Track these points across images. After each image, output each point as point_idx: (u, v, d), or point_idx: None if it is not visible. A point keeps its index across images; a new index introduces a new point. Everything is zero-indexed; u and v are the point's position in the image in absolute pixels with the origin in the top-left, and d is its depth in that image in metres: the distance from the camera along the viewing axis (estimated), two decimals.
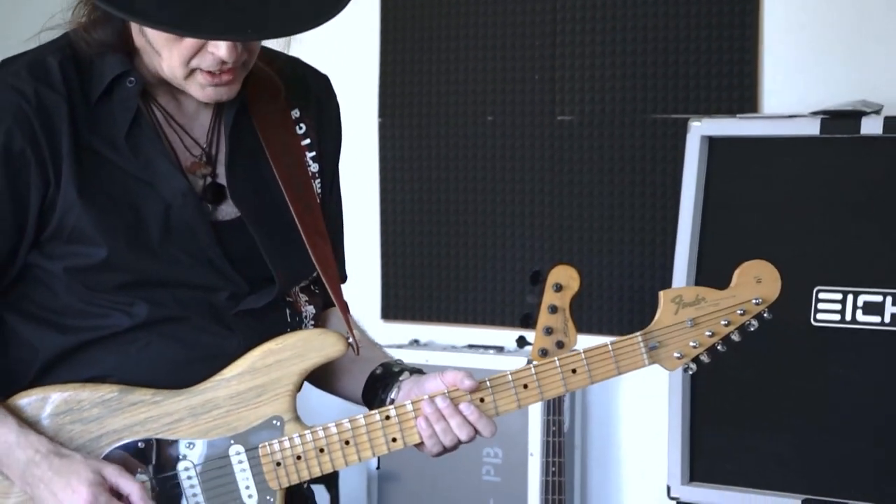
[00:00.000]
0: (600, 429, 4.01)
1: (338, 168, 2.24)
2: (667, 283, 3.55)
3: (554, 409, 3.44)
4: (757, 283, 2.09)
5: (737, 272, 2.10)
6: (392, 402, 2.08)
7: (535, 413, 3.64)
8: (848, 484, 3.26)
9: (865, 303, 3.25)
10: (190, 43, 1.92)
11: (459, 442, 2.04)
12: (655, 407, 3.77)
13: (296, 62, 2.19)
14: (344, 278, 2.26)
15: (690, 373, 2.14)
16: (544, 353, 3.12)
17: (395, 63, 4.25)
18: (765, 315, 2.10)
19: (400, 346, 4.01)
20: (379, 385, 2.12)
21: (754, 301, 2.08)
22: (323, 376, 2.15)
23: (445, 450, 2.05)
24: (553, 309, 3.06)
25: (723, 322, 2.09)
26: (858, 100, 3.42)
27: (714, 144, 3.47)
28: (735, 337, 2.10)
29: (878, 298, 3.23)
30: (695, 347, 2.09)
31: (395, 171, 4.24)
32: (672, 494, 3.47)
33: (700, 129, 3.47)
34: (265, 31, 1.95)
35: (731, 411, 3.44)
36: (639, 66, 3.91)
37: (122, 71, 2.00)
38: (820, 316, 3.30)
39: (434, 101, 4.21)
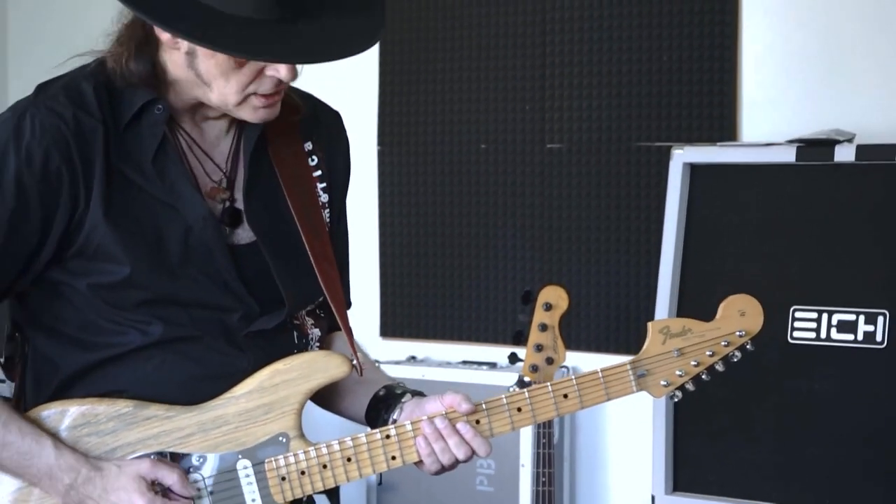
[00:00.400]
0: (588, 441, 3.99)
1: (345, 201, 2.26)
2: (651, 301, 3.54)
3: (544, 422, 3.45)
4: (741, 316, 2.12)
5: (722, 305, 2.13)
6: (394, 422, 2.09)
7: (527, 426, 3.65)
8: (823, 493, 3.27)
9: (839, 321, 3.26)
10: (250, 70, 1.96)
11: (457, 461, 2.05)
12: (640, 420, 3.77)
13: (309, 97, 2.22)
14: (349, 304, 2.25)
15: (675, 400, 2.16)
16: (535, 368, 3.18)
17: (393, 94, 4.24)
18: (748, 347, 2.13)
19: (398, 363, 3.97)
20: (382, 406, 2.14)
21: (738, 333, 2.11)
22: (327, 396, 2.16)
23: (444, 468, 2.06)
24: (543, 327, 3.10)
25: (708, 353, 2.11)
26: (832, 129, 3.43)
27: (695, 171, 3.47)
28: (719, 367, 2.13)
29: (852, 317, 3.25)
30: (680, 376, 2.11)
31: (394, 195, 4.22)
32: None
33: (682, 156, 3.48)
34: (329, 54, 1.97)
35: (712, 424, 3.43)
36: (624, 97, 3.90)
37: (151, 98, 2.02)
38: (796, 334, 3.30)
39: (430, 130, 4.20)
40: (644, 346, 2.13)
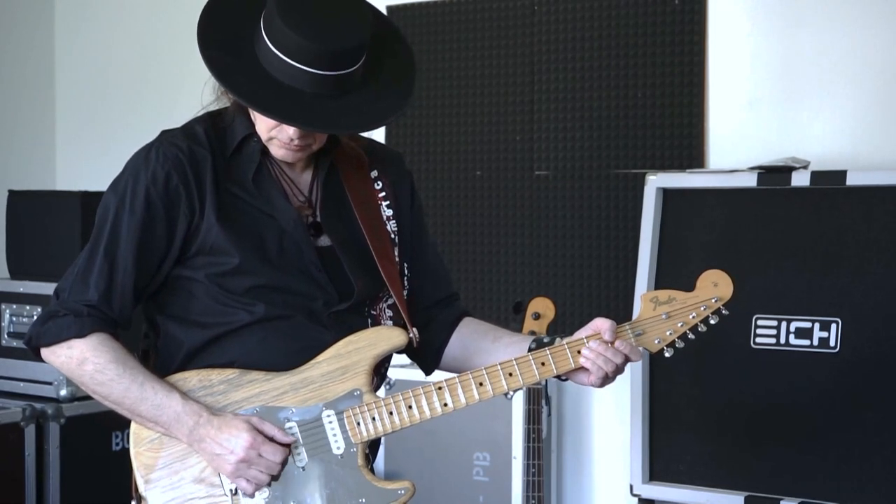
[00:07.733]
0: (573, 436, 4.01)
1: (422, 219, 2.51)
2: (629, 310, 3.59)
3: (534, 419, 3.49)
4: (714, 286, 2.28)
5: (699, 278, 2.29)
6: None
7: (518, 422, 3.68)
8: (783, 483, 3.29)
9: (797, 328, 3.29)
10: (271, 120, 2.23)
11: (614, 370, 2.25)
12: (619, 417, 3.84)
13: (376, 142, 2.53)
14: (457, 296, 2.53)
15: (668, 355, 2.30)
16: None
17: (398, 127, 4.30)
18: (723, 311, 2.28)
19: (402, 366, 4.00)
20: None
21: (713, 300, 2.27)
22: (481, 359, 2.37)
23: (606, 376, 2.25)
24: (532, 334, 3.08)
25: (690, 315, 2.27)
26: (789, 157, 3.47)
27: (667, 194, 3.52)
28: (701, 328, 2.28)
29: (808, 325, 3.27)
30: (670, 335, 2.28)
31: None
32: (634, 492, 3.51)
33: (655, 181, 3.52)
34: (327, 127, 2.24)
35: (684, 420, 3.48)
36: (604, 129, 3.93)
37: (248, 133, 2.30)
38: (758, 340, 3.33)
39: (431, 159, 4.26)
40: (639, 312, 2.30)
